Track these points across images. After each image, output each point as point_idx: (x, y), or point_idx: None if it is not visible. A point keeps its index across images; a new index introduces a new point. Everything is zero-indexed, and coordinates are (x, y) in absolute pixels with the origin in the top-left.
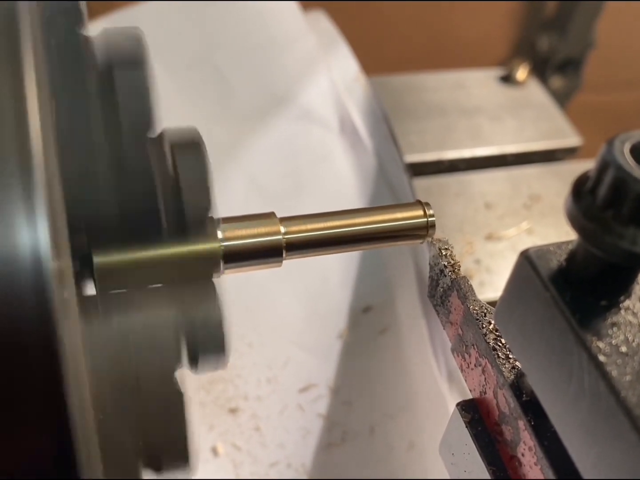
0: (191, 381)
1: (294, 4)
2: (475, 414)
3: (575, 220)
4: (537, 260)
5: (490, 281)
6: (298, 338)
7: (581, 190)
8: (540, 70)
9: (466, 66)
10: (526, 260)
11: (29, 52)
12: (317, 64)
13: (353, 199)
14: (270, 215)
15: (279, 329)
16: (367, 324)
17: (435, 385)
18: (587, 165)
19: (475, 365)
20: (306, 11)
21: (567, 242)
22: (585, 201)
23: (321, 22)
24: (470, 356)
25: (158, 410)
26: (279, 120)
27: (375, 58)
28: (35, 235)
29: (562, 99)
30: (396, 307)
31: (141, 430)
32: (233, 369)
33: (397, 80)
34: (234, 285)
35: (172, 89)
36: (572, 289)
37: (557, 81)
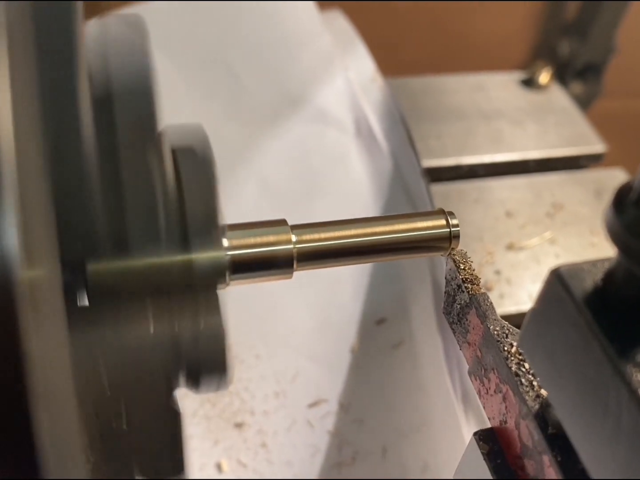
0: (195, 394)
1: (310, 3)
2: (495, 445)
3: (616, 236)
4: (569, 280)
5: (511, 293)
6: (308, 350)
7: (624, 201)
8: (561, 76)
9: (484, 70)
10: (557, 279)
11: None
12: (333, 63)
13: (368, 203)
14: (281, 222)
15: (289, 340)
16: (380, 337)
17: (451, 403)
18: (613, 173)
19: (495, 392)
20: (323, 11)
21: (603, 260)
22: (628, 214)
23: (338, 21)
24: (489, 381)
25: (152, 431)
26: (292, 121)
27: (392, 61)
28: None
29: (582, 105)
30: (411, 319)
31: (134, 450)
32: (240, 382)
33: (415, 82)
34: (243, 294)
35: (183, 88)
36: (610, 313)
37: (577, 87)
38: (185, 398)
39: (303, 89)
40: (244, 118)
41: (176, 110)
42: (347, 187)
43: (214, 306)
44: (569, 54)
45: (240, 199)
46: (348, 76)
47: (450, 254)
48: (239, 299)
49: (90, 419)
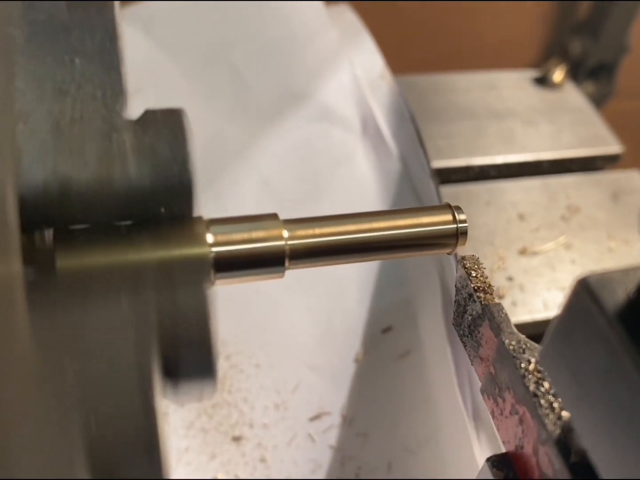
0: (192, 405)
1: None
2: (510, 472)
3: None
4: (598, 290)
5: (524, 301)
6: (310, 360)
7: None
8: (573, 76)
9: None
10: (585, 289)
11: None
12: (339, 59)
13: (374, 205)
14: (272, 216)
15: (290, 349)
16: (386, 346)
17: (462, 418)
18: (630, 175)
19: (510, 413)
20: (330, 5)
21: (636, 268)
22: None
23: (346, 15)
24: (504, 401)
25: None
26: (296, 120)
27: (403, 61)
28: None
29: (594, 105)
30: (419, 328)
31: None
32: (238, 393)
33: (424, 80)
34: (242, 299)
35: (185, 86)
36: None
37: (589, 87)
38: (181, 409)
39: (308, 87)
40: (247, 117)
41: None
42: (352, 188)
43: (199, 306)
44: (581, 53)
45: (242, 200)
46: (355, 73)
47: (459, 259)
48: (238, 306)
49: (55, 417)
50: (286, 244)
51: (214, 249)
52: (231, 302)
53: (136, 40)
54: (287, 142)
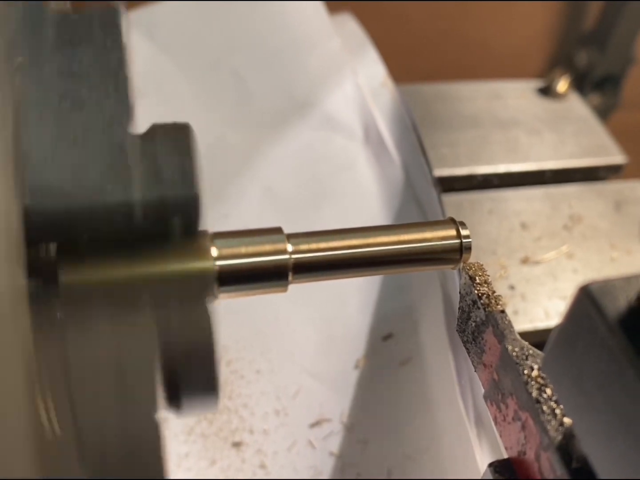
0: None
1: (319, 4)
2: (512, 478)
3: None
4: (600, 298)
5: (526, 310)
6: (311, 366)
7: None
8: (578, 87)
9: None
10: (587, 296)
11: None
12: (342, 67)
13: (377, 214)
14: (276, 230)
15: (291, 355)
16: (387, 353)
17: (463, 425)
18: (633, 185)
19: (513, 419)
20: (333, 14)
21: (638, 276)
22: None
23: (348, 24)
24: (507, 407)
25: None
26: (298, 127)
27: (407, 70)
28: None
29: (600, 117)
30: (420, 335)
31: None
32: (239, 398)
33: (428, 89)
34: (243, 306)
35: (188, 92)
36: None
37: (595, 98)
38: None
39: (310, 94)
40: (249, 124)
41: (181, 115)
42: (354, 195)
43: (202, 320)
44: (586, 64)
45: (244, 208)
46: (357, 80)
47: (464, 266)
48: (239, 312)
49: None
50: (290, 258)
51: (218, 263)
52: (232, 307)
53: (139, 45)
54: (289, 148)
